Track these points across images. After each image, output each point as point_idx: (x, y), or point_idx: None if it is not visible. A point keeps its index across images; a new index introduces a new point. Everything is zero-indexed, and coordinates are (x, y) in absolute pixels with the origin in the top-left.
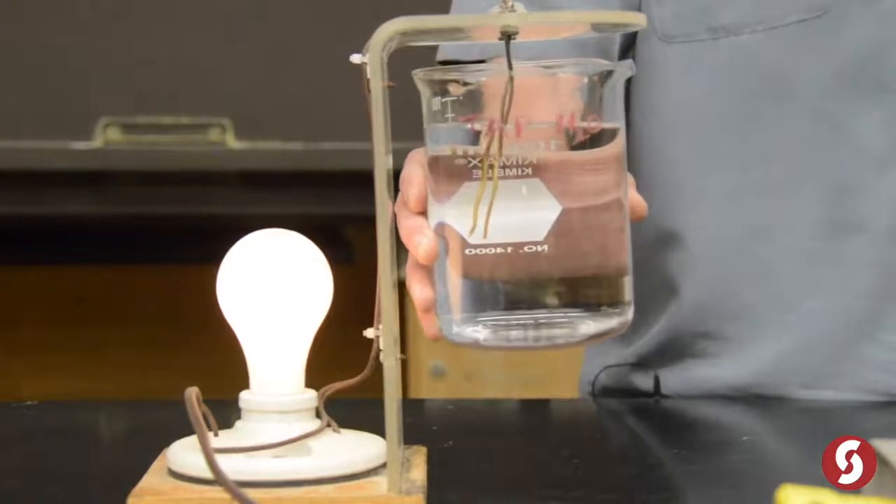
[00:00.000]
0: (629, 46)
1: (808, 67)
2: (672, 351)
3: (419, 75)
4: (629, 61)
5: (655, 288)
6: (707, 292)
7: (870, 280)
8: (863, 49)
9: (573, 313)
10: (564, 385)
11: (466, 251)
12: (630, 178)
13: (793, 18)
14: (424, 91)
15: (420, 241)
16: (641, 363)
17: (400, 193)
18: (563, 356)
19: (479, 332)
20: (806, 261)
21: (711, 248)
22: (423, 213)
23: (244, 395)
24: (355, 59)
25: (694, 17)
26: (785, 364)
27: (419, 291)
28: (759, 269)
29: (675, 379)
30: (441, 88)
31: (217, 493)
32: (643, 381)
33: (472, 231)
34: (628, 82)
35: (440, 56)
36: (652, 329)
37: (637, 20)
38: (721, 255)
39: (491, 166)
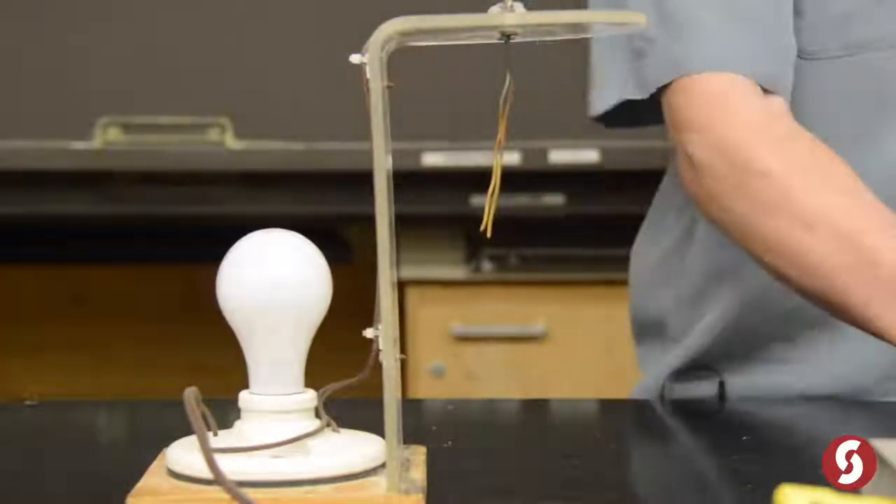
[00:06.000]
0: None
1: None
2: (739, 353)
3: None
4: None
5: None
6: (789, 299)
7: None
8: None
9: None
10: (565, 385)
11: None
12: None
13: None
14: None
15: None
16: (706, 365)
17: None
18: (561, 356)
19: None
20: None
21: None
22: None
23: (244, 395)
24: (355, 59)
25: (829, 31)
26: (865, 369)
27: None
28: None
29: (742, 384)
30: None
31: (217, 493)
32: (707, 389)
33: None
34: None
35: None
36: (713, 328)
37: (637, 20)
38: None
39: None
